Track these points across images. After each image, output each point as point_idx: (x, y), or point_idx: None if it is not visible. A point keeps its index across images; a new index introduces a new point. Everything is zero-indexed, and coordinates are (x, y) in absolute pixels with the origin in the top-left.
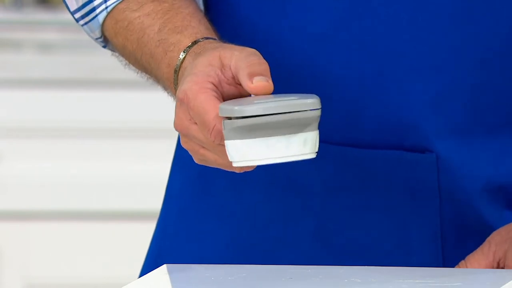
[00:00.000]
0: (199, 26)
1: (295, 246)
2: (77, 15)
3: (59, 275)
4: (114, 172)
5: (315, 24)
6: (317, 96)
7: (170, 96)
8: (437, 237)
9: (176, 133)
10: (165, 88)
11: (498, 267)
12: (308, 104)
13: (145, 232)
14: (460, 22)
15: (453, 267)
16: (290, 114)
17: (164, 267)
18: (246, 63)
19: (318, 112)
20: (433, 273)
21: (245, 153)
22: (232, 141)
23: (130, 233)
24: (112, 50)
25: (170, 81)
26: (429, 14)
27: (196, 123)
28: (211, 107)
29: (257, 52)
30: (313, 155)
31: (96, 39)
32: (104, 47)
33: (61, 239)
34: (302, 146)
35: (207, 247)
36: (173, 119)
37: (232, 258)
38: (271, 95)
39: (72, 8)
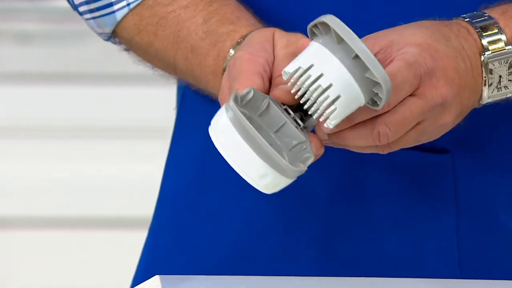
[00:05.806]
0: (253, 18)
1: (297, 255)
2: (83, 8)
3: (45, 286)
4: (100, 174)
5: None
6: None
7: (212, 94)
8: (453, 245)
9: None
10: (205, 85)
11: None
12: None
13: (136, 239)
14: None
15: (471, 278)
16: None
17: (156, 278)
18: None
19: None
20: (447, 285)
21: (221, 133)
22: (226, 118)
23: (120, 240)
24: (115, 43)
25: (216, 74)
26: (434, 14)
27: None
28: (246, 78)
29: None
30: (263, 191)
31: (100, 33)
32: (106, 40)
33: (46, 247)
34: (258, 176)
35: (202, 256)
36: None
37: (230, 268)
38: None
39: (78, 1)
